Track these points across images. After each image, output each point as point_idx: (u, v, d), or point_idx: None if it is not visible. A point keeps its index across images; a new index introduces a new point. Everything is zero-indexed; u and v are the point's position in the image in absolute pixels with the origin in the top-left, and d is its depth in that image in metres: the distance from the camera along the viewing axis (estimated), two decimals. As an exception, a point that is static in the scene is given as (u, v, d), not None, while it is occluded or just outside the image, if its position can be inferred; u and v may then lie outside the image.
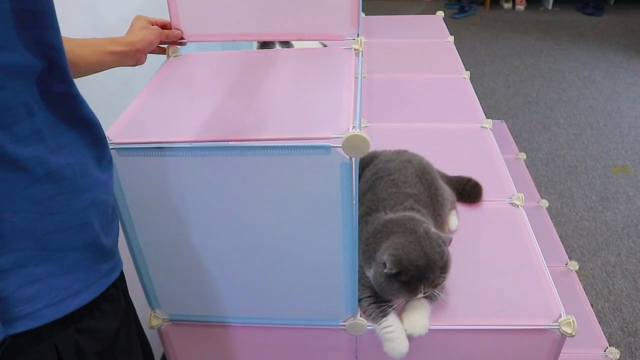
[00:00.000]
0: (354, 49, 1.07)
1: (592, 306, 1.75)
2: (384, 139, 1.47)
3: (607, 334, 1.66)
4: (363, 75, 1.80)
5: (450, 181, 1.26)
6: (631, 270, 1.98)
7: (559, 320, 0.94)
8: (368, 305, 0.98)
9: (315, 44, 1.56)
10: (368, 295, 0.99)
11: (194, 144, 0.82)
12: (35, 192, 0.58)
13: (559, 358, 0.99)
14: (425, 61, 1.97)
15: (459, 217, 1.20)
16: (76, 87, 0.62)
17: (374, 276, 0.94)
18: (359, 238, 0.92)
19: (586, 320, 1.65)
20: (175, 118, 0.90)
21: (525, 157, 2.21)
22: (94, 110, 0.65)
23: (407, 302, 0.97)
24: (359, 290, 0.97)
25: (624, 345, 1.68)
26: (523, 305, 0.99)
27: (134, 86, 1.38)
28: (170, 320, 1.04)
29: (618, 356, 1.54)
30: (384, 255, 0.90)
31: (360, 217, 1.02)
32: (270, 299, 0.99)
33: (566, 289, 1.76)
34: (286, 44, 1.57)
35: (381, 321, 0.95)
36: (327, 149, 0.79)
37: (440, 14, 2.32)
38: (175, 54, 1.11)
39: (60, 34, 0.58)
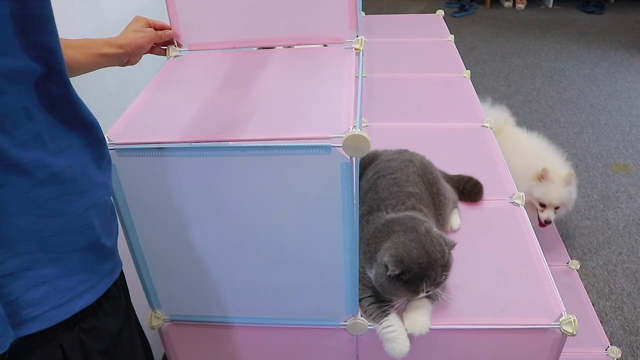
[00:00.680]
0: (354, 49, 1.07)
1: (593, 305, 1.75)
2: (385, 138, 1.47)
3: (608, 333, 1.66)
4: (363, 75, 1.80)
5: (450, 180, 1.26)
6: (632, 269, 1.98)
7: (560, 320, 0.94)
8: (369, 305, 0.98)
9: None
10: (369, 294, 0.98)
11: (193, 144, 0.82)
12: (39, 195, 0.59)
13: (560, 357, 0.99)
14: (425, 60, 1.97)
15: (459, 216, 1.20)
16: (74, 90, 0.62)
17: (376, 276, 0.94)
18: (360, 238, 0.92)
19: (587, 319, 1.65)
20: (175, 118, 0.90)
21: (526, 157, 2.20)
22: (93, 111, 0.66)
23: (408, 301, 0.97)
24: (359, 289, 0.97)
25: (625, 344, 1.68)
26: (524, 304, 0.99)
27: (133, 86, 1.38)
28: (171, 321, 1.04)
29: (619, 355, 1.54)
30: (385, 256, 0.90)
31: (362, 217, 1.02)
32: (270, 299, 0.99)
33: (567, 288, 1.76)
34: (286, 43, 1.56)
35: (382, 321, 0.95)
36: (327, 148, 0.78)
37: (441, 12, 2.32)
38: (175, 55, 1.11)
39: (58, 38, 0.58)
